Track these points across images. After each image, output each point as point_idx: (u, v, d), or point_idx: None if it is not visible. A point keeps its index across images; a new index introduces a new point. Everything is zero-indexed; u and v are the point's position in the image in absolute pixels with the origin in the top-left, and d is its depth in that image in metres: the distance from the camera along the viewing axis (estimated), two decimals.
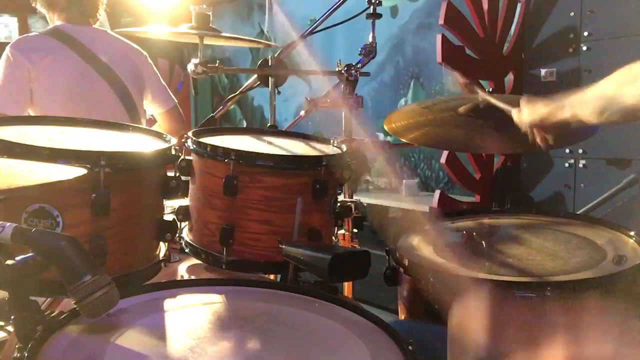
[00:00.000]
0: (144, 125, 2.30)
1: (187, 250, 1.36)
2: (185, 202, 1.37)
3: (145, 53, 2.43)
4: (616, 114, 1.15)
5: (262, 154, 1.29)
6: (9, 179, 0.84)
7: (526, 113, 1.34)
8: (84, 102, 2.16)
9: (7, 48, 2.15)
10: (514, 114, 1.39)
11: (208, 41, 1.82)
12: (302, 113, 2.04)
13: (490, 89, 1.64)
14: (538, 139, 1.35)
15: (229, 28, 5.87)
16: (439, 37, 3.22)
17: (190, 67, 1.69)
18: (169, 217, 1.30)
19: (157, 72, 2.47)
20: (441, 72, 4.08)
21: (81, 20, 2.28)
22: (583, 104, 1.21)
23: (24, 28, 5.66)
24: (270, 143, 1.47)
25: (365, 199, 4.37)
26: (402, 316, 1.35)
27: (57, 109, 2.10)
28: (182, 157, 1.30)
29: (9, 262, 0.78)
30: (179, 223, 1.33)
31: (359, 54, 1.87)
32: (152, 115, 2.50)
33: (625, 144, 2.89)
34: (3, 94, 2.12)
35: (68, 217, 1.05)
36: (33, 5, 2.31)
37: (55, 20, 2.29)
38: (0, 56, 2.15)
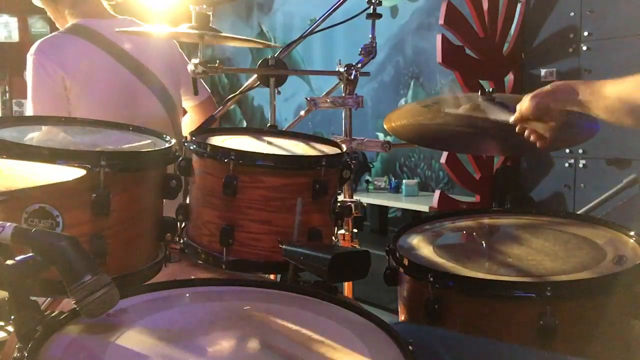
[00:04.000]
0: (180, 122, 2.20)
1: (187, 250, 1.36)
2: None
3: (174, 40, 2.17)
4: (629, 118, 1.11)
5: (262, 154, 1.29)
6: (9, 179, 0.84)
7: (527, 98, 1.26)
8: (124, 109, 1.97)
9: (33, 55, 1.87)
10: (513, 116, 1.35)
11: (208, 41, 1.81)
12: (302, 113, 2.04)
13: (490, 89, 1.63)
14: (534, 136, 1.30)
15: (229, 28, 5.87)
16: (439, 37, 3.23)
17: (190, 67, 1.68)
18: (169, 217, 1.30)
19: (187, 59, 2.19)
20: (441, 72, 4.08)
21: (103, 13, 2.06)
22: (598, 98, 1.15)
23: (24, 28, 5.66)
24: (270, 143, 1.47)
25: (365, 199, 4.38)
26: (402, 316, 1.35)
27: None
28: (182, 157, 1.30)
29: (9, 262, 0.78)
30: (179, 223, 1.33)
31: (359, 54, 1.86)
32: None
33: (625, 144, 2.89)
34: (40, 109, 1.88)
35: (68, 217, 1.05)
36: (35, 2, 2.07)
37: (67, 16, 2.05)
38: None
